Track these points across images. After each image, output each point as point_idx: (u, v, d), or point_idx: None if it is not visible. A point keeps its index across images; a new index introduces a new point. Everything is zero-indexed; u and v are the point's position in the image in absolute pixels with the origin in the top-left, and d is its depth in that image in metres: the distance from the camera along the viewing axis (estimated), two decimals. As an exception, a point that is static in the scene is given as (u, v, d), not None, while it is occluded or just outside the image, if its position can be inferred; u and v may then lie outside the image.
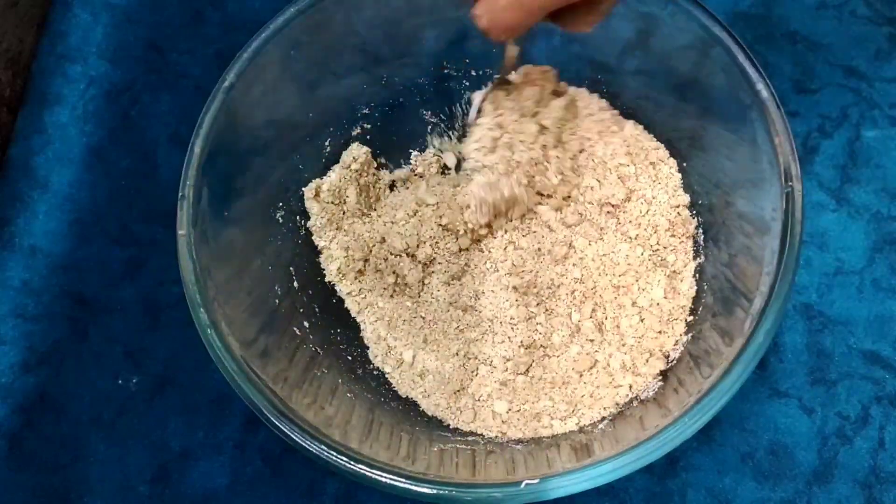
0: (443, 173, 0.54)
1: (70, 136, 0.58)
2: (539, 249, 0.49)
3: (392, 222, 0.52)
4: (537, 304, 0.48)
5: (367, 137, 0.53)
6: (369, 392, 0.47)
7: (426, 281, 0.50)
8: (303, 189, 0.51)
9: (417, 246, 0.50)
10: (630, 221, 0.48)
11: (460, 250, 0.50)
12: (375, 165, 0.53)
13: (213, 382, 0.49)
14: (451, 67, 0.52)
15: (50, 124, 0.58)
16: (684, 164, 0.49)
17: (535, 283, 0.48)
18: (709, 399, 0.37)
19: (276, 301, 0.47)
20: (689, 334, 0.45)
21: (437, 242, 0.51)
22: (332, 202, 0.51)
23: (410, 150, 0.55)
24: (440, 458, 0.42)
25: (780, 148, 0.40)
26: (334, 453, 0.37)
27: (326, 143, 0.52)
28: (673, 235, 0.48)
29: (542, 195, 0.49)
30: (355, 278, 0.50)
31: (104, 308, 0.52)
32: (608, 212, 0.49)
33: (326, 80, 0.49)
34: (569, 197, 0.49)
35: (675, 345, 0.45)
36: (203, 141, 0.42)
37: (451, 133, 0.53)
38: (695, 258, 0.47)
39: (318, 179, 0.51)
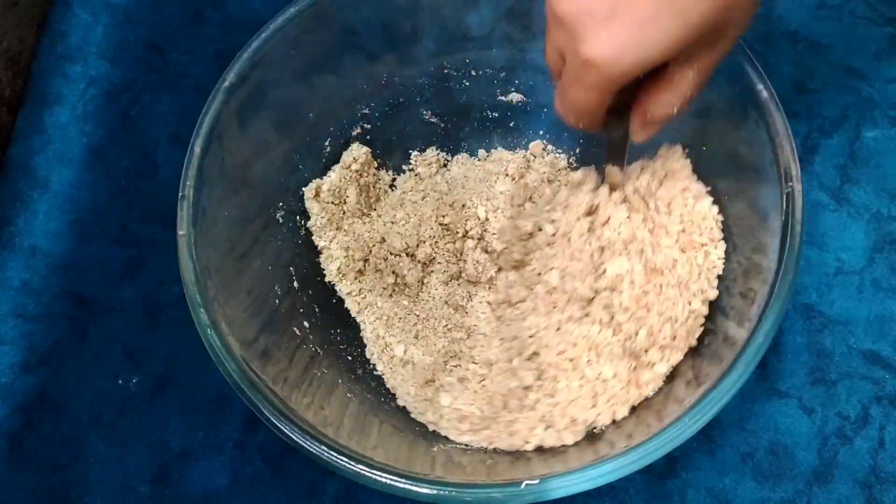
0: (444, 165, 0.54)
1: (70, 136, 0.58)
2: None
3: (392, 222, 0.52)
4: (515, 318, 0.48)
5: (367, 137, 0.53)
6: (369, 392, 0.47)
7: (425, 280, 0.51)
8: (303, 189, 0.51)
9: (417, 246, 0.51)
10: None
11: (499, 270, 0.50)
12: (375, 165, 0.53)
13: (213, 382, 0.49)
14: (451, 67, 0.52)
15: (50, 124, 0.58)
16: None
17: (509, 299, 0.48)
18: (709, 399, 0.37)
19: (276, 301, 0.47)
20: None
21: (436, 242, 0.51)
22: (332, 202, 0.51)
23: (410, 150, 0.55)
24: (436, 461, 0.42)
25: (780, 148, 0.40)
26: (334, 453, 0.37)
27: (326, 143, 0.52)
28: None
29: None
30: (355, 278, 0.50)
31: (104, 308, 0.52)
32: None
33: (326, 80, 0.49)
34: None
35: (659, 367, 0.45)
36: (203, 141, 0.42)
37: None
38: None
39: (318, 179, 0.51)
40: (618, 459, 0.36)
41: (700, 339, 0.44)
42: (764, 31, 0.57)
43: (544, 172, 0.53)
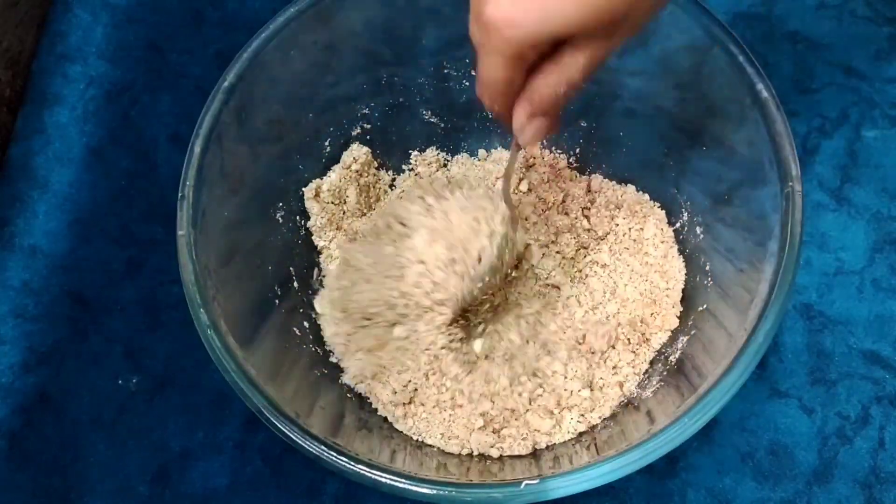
0: (444, 165, 0.54)
1: (70, 136, 0.58)
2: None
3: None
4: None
5: (367, 137, 0.53)
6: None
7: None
8: (303, 189, 0.51)
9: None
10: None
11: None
12: (375, 165, 0.53)
13: (213, 382, 0.49)
14: (451, 67, 0.52)
15: (50, 124, 0.58)
16: (683, 166, 0.49)
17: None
18: (709, 399, 0.37)
19: (277, 301, 0.47)
20: (689, 335, 0.45)
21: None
22: (332, 202, 0.51)
23: (410, 150, 0.55)
24: (423, 462, 0.42)
25: (780, 148, 0.40)
26: (334, 453, 0.37)
27: (326, 143, 0.52)
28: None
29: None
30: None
31: (104, 308, 0.52)
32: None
33: (326, 79, 0.49)
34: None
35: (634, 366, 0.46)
36: (203, 141, 0.42)
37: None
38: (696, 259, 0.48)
39: (318, 179, 0.51)
40: (618, 459, 0.36)
41: (700, 339, 0.44)
42: (764, 31, 0.57)
43: (544, 172, 0.53)
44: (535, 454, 0.44)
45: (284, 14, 0.45)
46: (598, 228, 0.50)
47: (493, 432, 0.44)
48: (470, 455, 0.44)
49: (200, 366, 0.50)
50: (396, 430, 0.45)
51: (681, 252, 0.49)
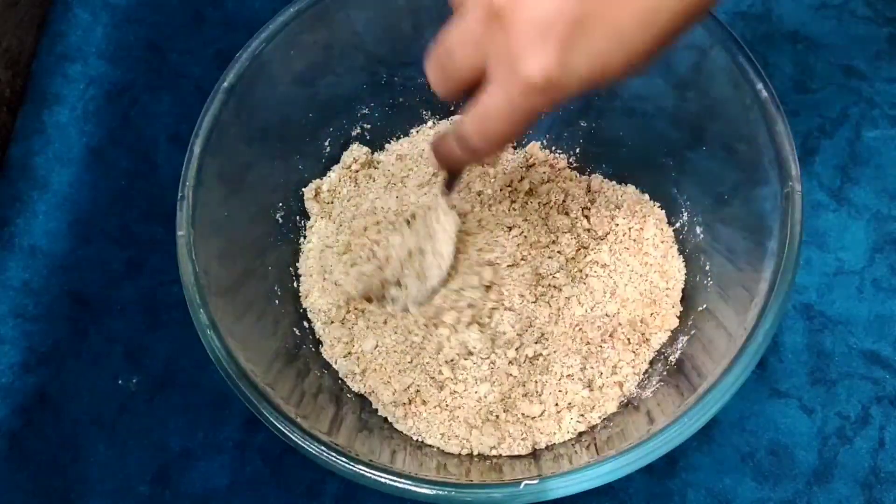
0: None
1: (70, 136, 0.58)
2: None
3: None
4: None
5: (367, 137, 0.53)
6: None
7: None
8: (303, 189, 0.51)
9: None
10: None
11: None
12: (375, 165, 0.53)
13: (213, 382, 0.49)
14: (451, 67, 0.52)
15: (50, 124, 0.58)
16: (683, 166, 0.49)
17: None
18: (709, 399, 0.37)
19: (276, 301, 0.47)
20: (689, 335, 0.45)
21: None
22: (332, 202, 0.51)
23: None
24: (423, 463, 0.42)
25: (780, 148, 0.40)
26: (334, 453, 0.37)
27: (326, 143, 0.52)
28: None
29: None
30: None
31: (104, 308, 0.52)
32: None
33: (326, 80, 0.49)
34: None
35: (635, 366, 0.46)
36: (203, 141, 0.42)
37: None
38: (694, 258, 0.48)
39: (318, 179, 0.51)
40: (618, 459, 0.36)
41: (700, 339, 0.44)
42: (764, 31, 0.57)
43: (544, 172, 0.53)
44: (534, 454, 0.44)
45: (284, 14, 0.45)
46: (598, 228, 0.50)
47: (491, 420, 0.45)
48: (470, 455, 0.44)
49: (200, 366, 0.50)
50: (396, 430, 0.45)
51: (681, 252, 0.49)
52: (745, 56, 0.42)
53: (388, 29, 0.49)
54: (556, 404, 0.45)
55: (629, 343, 0.47)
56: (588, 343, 0.47)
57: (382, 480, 0.36)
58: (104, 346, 0.51)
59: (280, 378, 0.42)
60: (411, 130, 0.54)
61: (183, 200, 0.41)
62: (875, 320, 0.50)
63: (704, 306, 0.45)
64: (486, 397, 0.45)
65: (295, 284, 0.49)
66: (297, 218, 0.51)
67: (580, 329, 0.47)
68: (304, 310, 0.49)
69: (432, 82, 0.35)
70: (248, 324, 0.43)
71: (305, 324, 0.48)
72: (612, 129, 0.51)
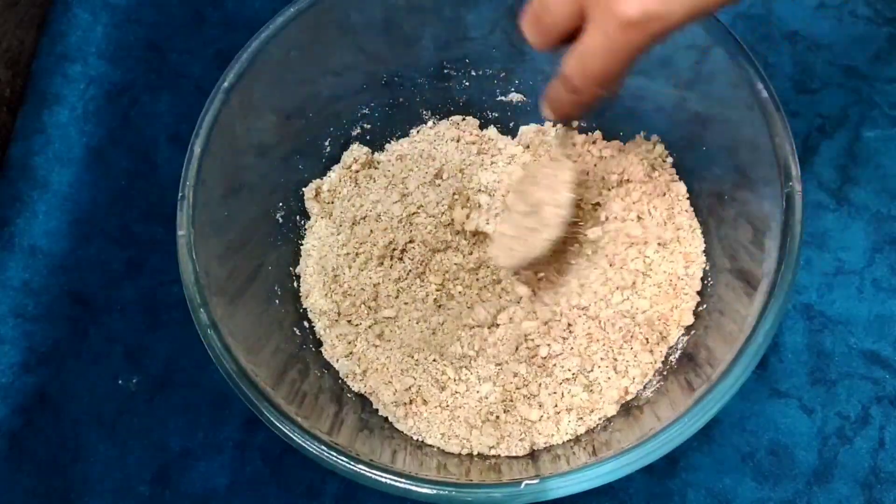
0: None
1: (70, 136, 0.58)
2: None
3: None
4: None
5: (367, 137, 0.53)
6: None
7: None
8: (303, 189, 0.51)
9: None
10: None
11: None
12: (375, 165, 0.53)
13: (213, 382, 0.49)
14: (450, 67, 0.52)
15: (50, 124, 0.58)
16: (683, 165, 0.49)
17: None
18: (709, 399, 0.37)
19: (277, 301, 0.47)
20: (689, 334, 0.45)
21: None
22: (333, 202, 0.51)
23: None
24: (423, 462, 0.42)
25: (780, 148, 0.40)
26: (335, 453, 0.37)
27: (326, 143, 0.52)
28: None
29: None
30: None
31: (104, 308, 0.52)
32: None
33: (326, 80, 0.49)
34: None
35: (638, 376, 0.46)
36: (203, 141, 0.42)
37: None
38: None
39: (318, 179, 0.51)
40: (618, 459, 0.36)
41: (700, 339, 0.44)
42: (764, 31, 0.57)
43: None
44: (534, 454, 0.44)
45: (284, 14, 0.45)
46: (611, 223, 0.49)
47: (491, 420, 0.44)
48: (470, 455, 0.44)
49: (200, 366, 0.50)
50: (397, 430, 0.45)
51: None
52: (745, 56, 0.42)
53: (388, 29, 0.49)
54: (556, 405, 0.45)
55: (647, 343, 0.46)
56: (606, 334, 0.46)
57: (383, 480, 0.36)
58: (104, 346, 0.51)
59: (280, 378, 0.42)
60: (411, 130, 0.54)
61: (183, 200, 0.41)
62: (875, 320, 0.50)
63: (705, 306, 0.45)
64: (487, 397, 0.45)
65: (295, 284, 0.49)
66: (298, 218, 0.51)
67: (602, 327, 0.47)
68: (305, 310, 0.49)
69: (529, 37, 0.36)
70: (249, 324, 0.43)
71: (305, 324, 0.48)
72: (612, 129, 0.51)
